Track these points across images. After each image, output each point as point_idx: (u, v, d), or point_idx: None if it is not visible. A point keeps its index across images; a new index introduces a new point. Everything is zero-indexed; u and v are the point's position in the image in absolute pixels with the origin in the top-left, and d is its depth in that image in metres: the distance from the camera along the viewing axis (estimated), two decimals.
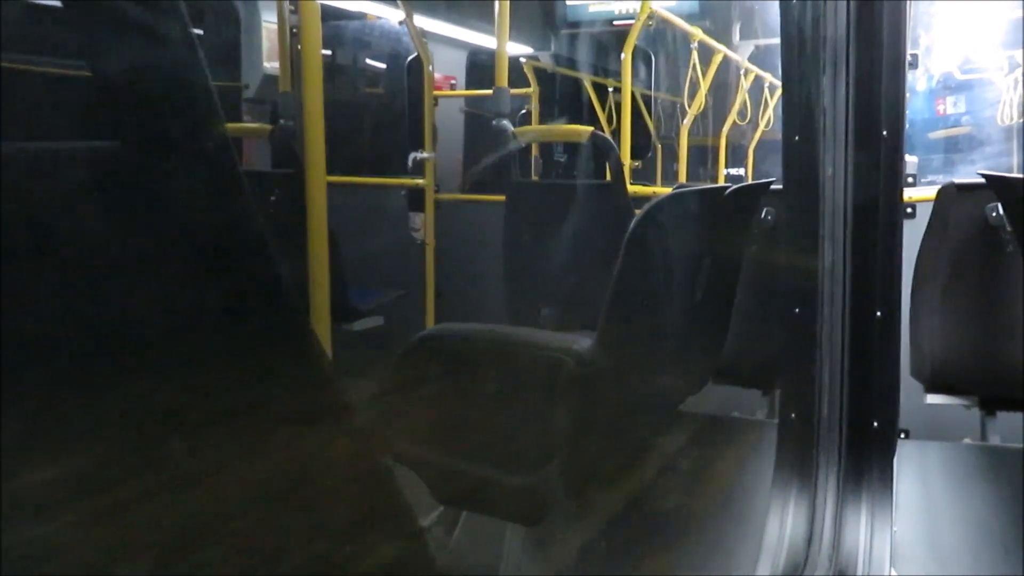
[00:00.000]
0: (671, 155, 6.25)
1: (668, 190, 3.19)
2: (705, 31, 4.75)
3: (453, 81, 5.80)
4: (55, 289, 0.50)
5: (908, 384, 1.97)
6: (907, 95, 1.47)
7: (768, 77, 6.35)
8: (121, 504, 0.53)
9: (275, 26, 4.05)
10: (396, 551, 0.71)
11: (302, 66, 2.02)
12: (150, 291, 0.55)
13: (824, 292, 1.40)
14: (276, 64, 3.98)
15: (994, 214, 1.97)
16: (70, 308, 0.51)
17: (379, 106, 5.51)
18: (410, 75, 4.63)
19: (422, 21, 4.27)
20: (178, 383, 0.56)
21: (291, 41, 3.77)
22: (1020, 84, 5.62)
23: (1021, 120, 5.63)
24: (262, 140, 3.77)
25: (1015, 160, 5.75)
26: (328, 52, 5.05)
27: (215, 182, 0.58)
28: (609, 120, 5.69)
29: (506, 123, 3.34)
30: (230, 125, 3.59)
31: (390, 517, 0.69)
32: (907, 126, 1.67)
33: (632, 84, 4.03)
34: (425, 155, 3.81)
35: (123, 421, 0.54)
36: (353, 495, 0.68)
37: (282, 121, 3.66)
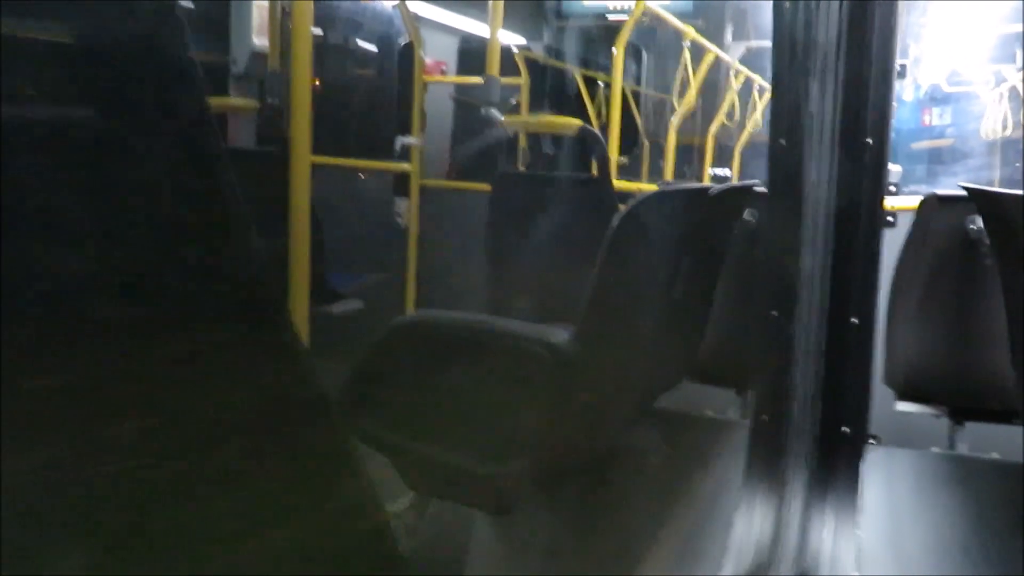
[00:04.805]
0: (658, 152, 6.25)
1: (653, 187, 3.19)
2: (698, 30, 4.75)
3: (444, 67, 5.77)
4: (17, 260, 0.49)
5: (880, 391, 1.99)
6: (894, 104, 1.47)
7: (757, 79, 6.36)
8: (73, 494, 0.52)
9: (266, 2, 4.01)
10: (363, 538, 0.71)
11: (292, 45, 2.00)
12: (119, 267, 0.54)
13: (802, 296, 1.41)
14: (266, 41, 3.94)
15: (973, 227, 1.98)
16: (32, 280, 0.49)
17: (368, 88, 5.47)
18: (401, 59, 4.60)
19: (415, 5, 4.24)
20: (144, 365, 0.55)
21: (282, 19, 3.74)
22: (1006, 99, 5.68)
23: (1005, 134, 5.69)
24: (248, 117, 3.73)
25: (996, 174, 5.80)
26: (319, 31, 5.00)
27: (194, 157, 0.57)
28: (598, 114, 5.69)
29: (495, 112, 3.32)
30: (216, 100, 3.55)
31: (358, 504, 0.68)
32: (892, 135, 1.68)
33: (623, 80, 4.02)
34: (412, 140, 3.78)
35: (81, 403, 0.52)
36: (322, 480, 0.67)
37: (269, 99, 3.63)
